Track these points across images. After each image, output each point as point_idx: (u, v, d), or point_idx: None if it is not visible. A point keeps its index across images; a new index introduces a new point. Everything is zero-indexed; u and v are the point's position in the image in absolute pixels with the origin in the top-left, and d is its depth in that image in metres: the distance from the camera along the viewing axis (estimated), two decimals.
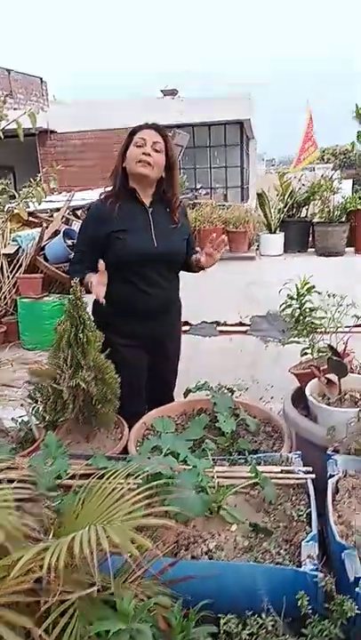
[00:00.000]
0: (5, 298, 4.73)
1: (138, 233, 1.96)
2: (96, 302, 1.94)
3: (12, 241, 4.91)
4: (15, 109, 2.78)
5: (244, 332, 2.98)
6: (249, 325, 2.98)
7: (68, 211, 5.31)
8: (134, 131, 1.94)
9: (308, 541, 1.18)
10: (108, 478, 1.03)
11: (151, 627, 0.91)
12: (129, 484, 1.11)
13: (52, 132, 8.49)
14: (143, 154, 1.88)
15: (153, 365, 2.17)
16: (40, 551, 0.79)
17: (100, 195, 2.03)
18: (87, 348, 1.65)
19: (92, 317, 1.71)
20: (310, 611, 1.03)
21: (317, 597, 1.07)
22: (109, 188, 2.01)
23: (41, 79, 12.16)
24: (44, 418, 1.86)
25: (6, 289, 4.75)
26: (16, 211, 3.02)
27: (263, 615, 1.01)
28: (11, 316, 4.64)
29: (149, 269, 1.99)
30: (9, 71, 10.48)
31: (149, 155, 1.89)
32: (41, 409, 1.81)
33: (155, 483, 1.02)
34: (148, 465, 1.19)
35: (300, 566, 1.12)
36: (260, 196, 2.75)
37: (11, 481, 1.02)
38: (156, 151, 1.91)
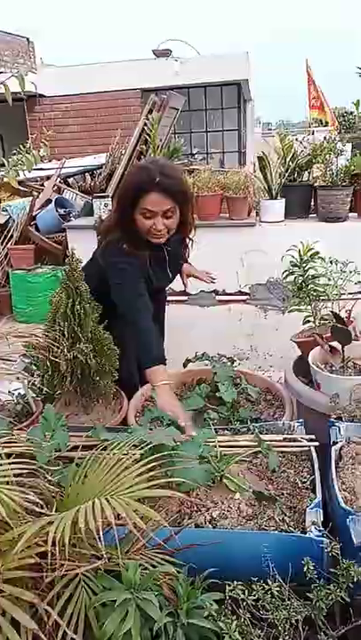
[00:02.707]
0: None
1: (161, 275, 1.87)
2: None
3: (3, 211, 4.80)
4: (1, 72, 2.63)
5: (244, 301, 2.94)
6: (248, 294, 2.93)
7: (59, 179, 5.16)
8: (139, 191, 1.61)
9: (312, 508, 1.18)
10: (110, 450, 1.00)
11: (157, 595, 0.90)
12: (134, 454, 1.09)
13: (40, 96, 8.16)
14: (153, 229, 1.65)
15: None
16: (44, 525, 0.77)
17: (116, 247, 1.74)
18: (84, 319, 1.61)
19: (87, 289, 1.66)
20: (316, 576, 1.03)
21: (323, 562, 1.07)
22: (120, 235, 1.73)
23: (28, 39, 11.61)
24: (41, 390, 1.83)
25: None
26: (5, 179, 2.90)
27: (269, 581, 1.01)
28: (2, 289, 4.58)
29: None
30: None
31: (161, 230, 1.66)
32: (38, 382, 1.79)
33: (158, 455, 1.00)
34: (150, 437, 1.17)
35: (305, 533, 1.12)
36: (260, 159, 2.65)
37: (9, 455, 1.00)
38: (168, 217, 1.65)
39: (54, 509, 0.95)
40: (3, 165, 3.12)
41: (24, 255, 4.59)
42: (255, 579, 1.04)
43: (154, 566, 1.03)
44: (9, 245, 4.72)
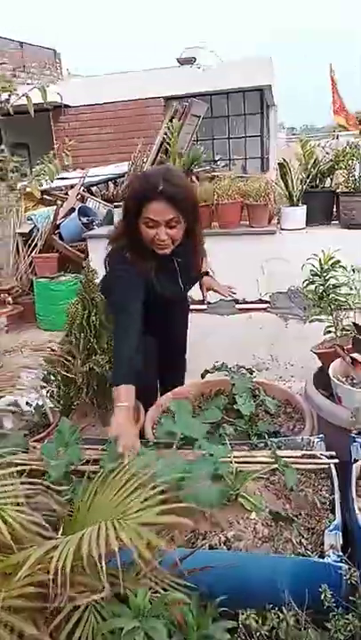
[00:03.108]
0: (22, 278, 4.72)
1: (170, 287, 1.78)
2: None
3: (27, 220, 4.87)
4: (28, 84, 2.68)
5: (264, 310, 2.89)
6: (269, 302, 2.88)
7: (82, 188, 5.23)
8: (142, 199, 1.55)
9: (331, 530, 1.13)
10: (119, 473, 0.98)
11: (166, 623, 0.88)
12: (145, 474, 1.07)
13: (65, 106, 8.29)
14: (157, 239, 1.58)
15: (163, 341, 2.09)
16: (48, 551, 0.76)
17: (120, 255, 1.69)
18: (100, 330, 1.60)
19: (103, 299, 1.65)
20: (334, 604, 0.98)
21: (341, 589, 1.02)
22: (125, 243, 1.68)
23: (54, 51, 11.89)
24: (58, 401, 1.84)
25: (22, 269, 4.74)
26: (28, 189, 2.95)
27: (284, 608, 0.97)
28: (27, 297, 4.64)
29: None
30: (22, 44, 10.25)
31: (164, 240, 1.59)
32: (55, 393, 1.79)
33: (167, 478, 0.97)
34: (160, 460, 1.14)
35: (323, 556, 1.08)
36: (281, 165, 2.61)
37: (21, 471, 0.99)
38: (172, 227, 1.58)
39: (63, 529, 0.93)
40: (25, 175, 3.17)
41: (48, 263, 4.65)
42: (270, 605, 1.00)
43: (165, 589, 1.00)
44: (33, 254, 4.79)
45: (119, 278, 1.65)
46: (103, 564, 0.67)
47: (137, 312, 1.60)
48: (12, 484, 0.89)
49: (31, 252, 4.81)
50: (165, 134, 3.13)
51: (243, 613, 0.93)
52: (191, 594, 1.00)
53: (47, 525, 0.80)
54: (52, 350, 1.29)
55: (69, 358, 1.50)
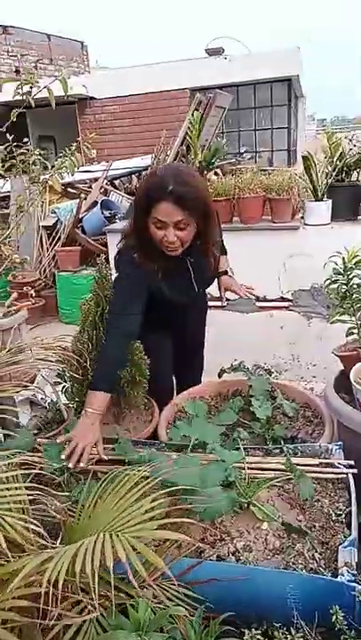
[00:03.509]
0: (45, 271, 4.75)
1: (182, 289, 1.72)
2: None
3: (51, 213, 4.89)
4: (55, 77, 2.68)
5: (286, 308, 2.81)
6: (291, 300, 2.80)
7: (105, 181, 5.21)
8: (151, 199, 1.49)
9: (345, 546, 1.07)
10: (123, 479, 0.95)
11: (167, 638, 0.84)
12: (148, 483, 1.03)
13: (91, 98, 8.28)
14: (165, 240, 1.52)
15: (178, 339, 2.05)
16: (44, 561, 0.73)
17: (128, 255, 1.63)
18: (106, 333, 1.57)
19: None
20: (346, 626, 0.93)
21: (355, 611, 0.97)
22: (134, 243, 1.62)
23: (82, 43, 11.90)
24: (73, 398, 1.82)
25: (46, 262, 4.76)
26: (50, 182, 2.93)
27: (292, 629, 0.92)
28: (49, 290, 4.67)
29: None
30: (49, 36, 10.29)
31: (172, 242, 1.53)
32: (69, 389, 1.77)
33: (174, 488, 0.93)
34: (169, 468, 1.10)
35: (337, 574, 1.02)
36: (305, 158, 2.51)
37: (27, 474, 0.97)
38: (181, 229, 1.52)
39: (64, 535, 0.91)
40: (47, 168, 3.16)
41: (70, 257, 4.66)
42: (278, 624, 0.95)
43: (170, 599, 0.97)
44: (56, 247, 4.81)
45: (122, 281, 1.61)
46: (96, 580, 0.63)
47: (135, 319, 1.58)
48: (15, 489, 0.88)
49: (54, 245, 4.83)
50: (188, 127, 3.07)
51: (248, 632, 0.89)
52: (195, 607, 0.97)
53: (44, 534, 0.77)
54: (63, 349, 1.26)
55: (79, 357, 1.47)
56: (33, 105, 2.74)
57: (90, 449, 1.40)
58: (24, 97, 2.66)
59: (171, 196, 1.45)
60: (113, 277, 1.70)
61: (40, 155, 3.08)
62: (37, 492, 0.85)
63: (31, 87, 2.66)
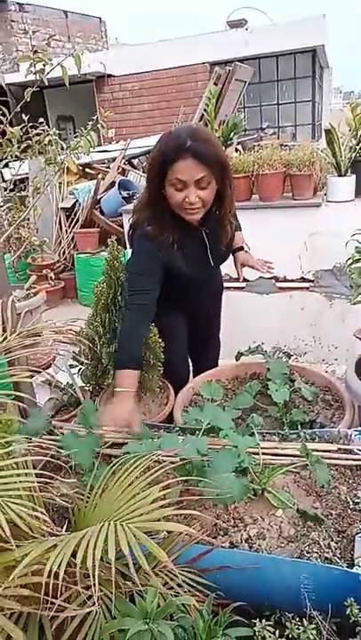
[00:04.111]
0: (64, 253, 4.75)
1: (197, 262, 1.66)
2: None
3: (70, 194, 4.87)
4: (69, 54, 2.62)
5: (307, 289, 2.73)
6: (312, 281, 2.72)
7: (123, 160, 5.13)
8: (168, 159, 1.42)
9: None
10: (132, 464, 0.93)
11: (175, 627, 0.83)
12: (162, 462, 1.01)
13: (109, 76, 8.14)
14: (186, 202, 1.45)
15: (194, 325, 2.01)
16: (47, 550, 0.72)
17: (141, 229, 1.58)
18: (125, 311, 1.54)
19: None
20: None
21: None
22: (148, 215, 1.56)
23: (100, 19, 11.67)
24: (89, 380, 1.82)
25: (65, 244, 4.76)
26: (65, 163, 2.90)
27: (305, 620, 0.90)
28: (69, 272, 4.68)
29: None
30: (66, 13, 10.11)
31: (194, 203, 1.46)
32: (84, 372, 1.77)
33: (183, 476, 0.91)
34: (181, 446, 1.08)
35: (353, 565, 0.99)
36: (328, 132, 2.39)
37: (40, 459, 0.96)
38: (203, 188, 1.45)
39: (72, 522, 0.90)
40: (63, 148, 3.12)
41: (89, 238, 4.65)
42: (290, 614, 0.93)
43: (180, 585, 0.96)
44: (75, 229, 4.80)
45: (137, 256, 1.57)
46: (96, 572, 0.62)
47: (153, 297, 1.54)
48: (25, 475, 0.87)
49: (73, 226, 4.82)
50: (205, 102, 2.97)
51: (259, 622, 0.87)
52: (207, 594, 0.96)
53: (49, 521, 0.76)
54: (75, 333, 1.24)
55: (91, 340, 1.45)
56: (47, 83, 2.69)
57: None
58: (37, 76, 2.61)
59: (189, 152, 1.40)
60: (127, 256, 1.67)
61: (55, 135, 3.04)
62: (44, 480, 0.84)
63: (44, 65, 2.61)
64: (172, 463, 1.08)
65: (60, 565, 0.64)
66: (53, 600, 0.71)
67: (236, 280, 2.12)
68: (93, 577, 0.61)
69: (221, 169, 1.47)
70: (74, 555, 0.70)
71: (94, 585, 0.60)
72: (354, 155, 2.46)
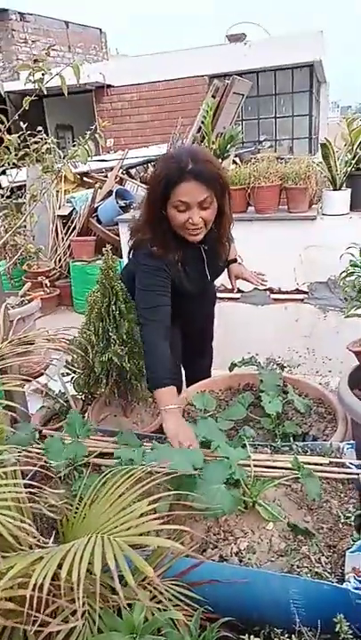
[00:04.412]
0: (60, 260, 4.75)
1: (196, 278, 1.67)
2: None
3: (67, 202, 4.88)
4: (68, 64, 2.65)
5: (301, 301, 2.74)
6: (307, 293, 2.73)
7: (121, 170, 5.16)
8: (170, 182, 1.42)
9: (353, 551, 1.03)
10: (125, 473, 0.92)
11: None
12: (154, 473, 1.00)
13: (109, 86, 8.21)
14: (190, 223, 1.47)
15: (187, 335, 2.01)
16: (33, 562, 0.70)
17: (145, 248, 1.58)
18: (120, 320, 1.54)
19: (124, 288, 1.59)
20: (351, 635, 0.89)
21: None
22: (150, 236, 1.56)
23: (100, 30, 11.78)
24: (81, 389, 1.81)
25: (61, 251, 4.76)
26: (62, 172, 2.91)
27: (294, 636, 0.89)
28: (65, 280, 4.67)
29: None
30: (67, 23, 10.20)
31: (197, 223, 1.47)
32: (77, 381, 1.76)
33: (175, 486, 0.90)
34: (170, 456, 1.07)
35: (343, 580, 0.98)
36: (323, 146, 2.42)
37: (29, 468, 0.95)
38: (205, 208, 1.47)
39: (60, 533, 0.89)
40: (62, 157, 3.13)
41: (85, 246, 4.64)
42: (280, 630, 0.92)
43: (169, 599, 0.94)
44: (72, 237, 4.80)
45: (147, 274, 1.56)
46: (81, 587, 0.61)
47: (167, 311, 1.54)
48: (14, 485, 0.86)
49: (70, 234, 4.82)
50: (202, 114, 3.00)
51: (248, 637, 0.86)
52: (196, 608, 0.94)
53: (36, 534, 0.75)
54: (67, 341, 1.24)
55: (84, 348, 1.44)
56: (45, 92, 2.71)
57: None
58: (35, 85, 2.63)
59: (192, 175, 1.40)
60: (122, 265, 1.67)
61: (53, 143, 3.05)
62: (30, 490, 0.83)
63: (43, 74, 2.64)
64: (165, 475, 1.07)
65: (45, 578, 0.63)
66: (38, 614, 0.70)
67: (231, 291, 2.13)
68: (78, 591, 0.59)
69: (222, 189, 1.49)
70: (61, 567, 0.69)
71: (78, 599, 0.59)
72: (349, 169, 2.48)
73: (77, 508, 0.91)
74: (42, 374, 1.88)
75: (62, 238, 4.81)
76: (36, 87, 2.65)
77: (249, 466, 1.26)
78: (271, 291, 2.70)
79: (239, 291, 2.66)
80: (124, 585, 0.82)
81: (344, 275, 1.76)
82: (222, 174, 1.50)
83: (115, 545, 0.69)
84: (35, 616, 0.67)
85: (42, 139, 3.03)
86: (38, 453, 1.13)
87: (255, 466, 1.28)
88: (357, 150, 2.45)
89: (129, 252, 1.68)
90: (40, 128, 3.08)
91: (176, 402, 1.45)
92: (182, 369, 2.10)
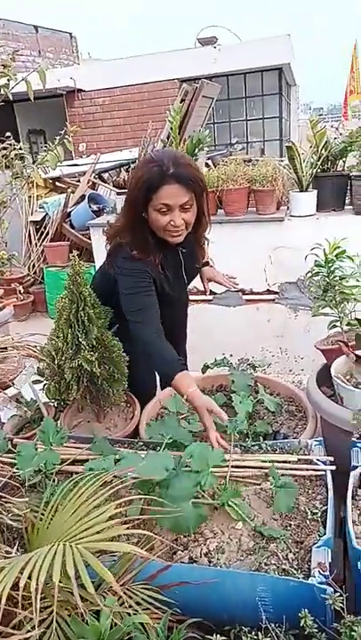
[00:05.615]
0: (34, 266, 4.71)
1: (174, 281, 1.70)
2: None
3: (39, 208, 4.84)
4: (34, 69, 2.64)
5: (273, 301, 2.77)
6: (277, 293, 2.77)
7: (94, 174, 5.15)
8: (152, 186, 1.45)
9: (319, 546, 1.05)
10: (92, 478, 0.92)
11: None
12: (122, 478, 1.01)
13: (79, 90, 8.17)
14: (171, 225, 1.49)
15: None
16: None
17: (124, 252, 1.59)
18: (89, 326, 1.54)
19: (92, 293, 1.59)
20: (316, 629, 0.91)
21: (327, 613, 0.95)
22: (129, 240, 1.57)
23: (70, 35, 11.72)
24: (54, 396, 1.79)
25: (34, 257, 4.72)
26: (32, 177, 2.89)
27: (260, 633, 0.90)
28: (39, 286, 4.63)
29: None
30: (37, 28, 10.12)
31: (179, 226, 1.50)
32: (45, 388, 1.75)
33: (145, 491, 0.91)
34: (139, 466, 1.07)
35: (309, 576, 1.00)
36: (289, 148, 2.46)
37: None
38: (186, 210, 1.50)
39: (25, 542, 0.88)
40: (34, 162, 3.11)
41: (58, 252, 4.61)
42: (248, 628, 0.93)
43: (138, 604, 0.95)
44: (45, 242, 4.76)
45: (128, 277, 1.57)
46: (39, 597, 0.61)
47: (155, 311, 1.57)
48: None
49: (43, 240, 4.79)
50: (169, 118, 3.02)
51: (213, 638, 0.87)
52: (165, 611, 0.95)
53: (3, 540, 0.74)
54: (33, 348, 1.23)
55: (45, 357, 1.43)
56: (11, 98, 2.69)
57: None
58: (0, 90, 2.61)
59: (173, 177, 1.43)
60: (94, 270, 1.67)
61: (22, 149, 3.03)
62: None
63: (8, 80, 2.62)
64: (133, 479, 1.08)
65: (3, 590, 0.62)
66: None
67: (203, 294, 2.15)
68: (36, 601, 0.59)
69: (201, 191, 1.53)
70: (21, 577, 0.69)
71: (36, 610, 0.59)
72: (315, 170, 2.53)
73: (43, 515, 0.91)
74: (10, 385, 1.86)
75: (35, 244, 4.77)
76: (2, 92, 2.63)
77: (222, 467, 1.27)
78: (243, 292, 2.74)
79: (211, 292, 2.68)
80: (95, 590, 0.82)
81: (310, 275, 1.79)
82: (202, 177, 1.54)
83: (76, 552, 0.69)
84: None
85: (10, 144, 3.00)
86: (9, 463, 1.12)
87: (225, 466, 1.29)
88: (322, 152, 2.50)
89: (107, 258, 1.69)
90: (8, 133, 3.06)
91: (193, 382, 1.51)
92: (157, 375, 2.11)
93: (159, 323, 1.57)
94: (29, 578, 0.65)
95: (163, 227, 1.50)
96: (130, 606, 0.92)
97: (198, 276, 2.03)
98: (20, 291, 4.34)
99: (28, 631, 0.75)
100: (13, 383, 1.78)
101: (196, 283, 2.16)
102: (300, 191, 2.59)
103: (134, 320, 1.56)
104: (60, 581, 0.74)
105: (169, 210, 1.47)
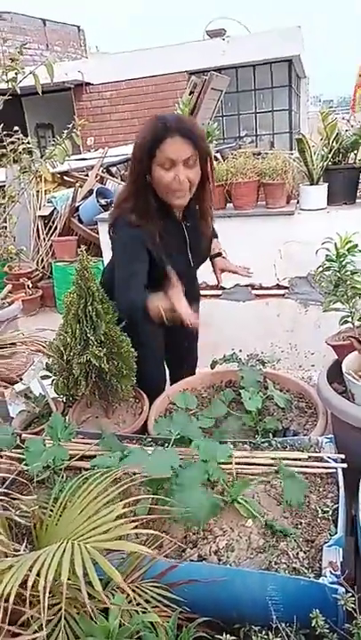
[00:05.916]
0: (42, 261, 4.71)
1: (177, 257, 1.66)
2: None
3: (48, 202, 4.83)
4: (42, 62, 2.63)
5: (282, 296, 2.75)
6: (287, 288, 2.74)
7: (101, 168, 5.12)
8: (157, 139, 1.45)
9: (330, 545, 1.04)
10: (101, 475, 0.91)
11: None
12: (131, 475, 1.00)
13: (87, 84, 8.13)
14: (175, 182, 1.48)
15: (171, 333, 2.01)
16: (2, 571, 0.69)
17: (123, 219, 1.58)
18: (97, 321, 1.53)
19: (100, 288, 1.57)
20: (327, 630, 0.89)
21: (338, 613, 0.93)
22: (131, 205, 1.56)
23: (78, 28, 11.67)
24: (62, 391, 1.79)
25: (43, 252, 4.72)
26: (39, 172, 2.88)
27: (270, 633, 0.89)
28: (47, 280, 4.63)
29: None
30: (44, 21, 10.09)
31: (183, 181, 1.49)
32: (58, 383, 1.74)
33: (153, 488, 0.90)
34: (147, 462, 1.06)
35: (320, 575, 0.98)
36: (299, 141, 2.42)
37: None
38: (190, 167, 1.50)
39: (34, 539, 0.88)
40: (42, 156, 3.10)
41: (67, 246, 4.61)
42: (258, 627, 0.92)
43: (148, 601, 0.94)
44: (53, 237, 4.76)
45: (122, 244, 1.58)
46: (47, 596, 0.60)
47: (144, 279, 1.54)
48: None
49: (51, 235, 4.78)
50: (177, 111, 2.99)
51: (224, 636, 0.86)
52: (175, 609, 0.94)
53: (5, 541, 0.73)
54: (41, 343, 1.23)
55: (68, 348, 1.42)
56: (19, 92, 2.68)
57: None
58: (9, 84, 2.60)
59: (177, 132, 1.45)
60: (103, 264, 1.66)
61: (30, 143, 3.02)
62: (2, 498, 0.82)
63: (16, 74, 2.60)
64: (142, 476, 1.07)
65: (12, 588, 0.62)
66: (9, 625, 0.69)
67: (215, 287, 2.13)
68: (45, 599, 0.59)
69: (205, 153, 1.53)
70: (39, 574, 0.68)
71: (44, 608, 0.58)
72: (326, 163, 2.49)
73: (51, 512, 0.90)
74: (20, 379, 1.86)
75: (44, 239, 4.77)
76: (10, 86, 2.62)
77: (230, 463, 1.26)
78: (253, 287, 2.71)
79: (221, 287, 2.66)
80: (104, 587, 0.81)
81: (321, 270, 1.76)
82: (205, 140, 1.55)
83: (84, 551, 0.68)
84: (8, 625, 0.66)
85: (18, 139, 2.99)
86: (18, 459, 1.12)
87: (235, 463, 1.28)
88: (333, 144, 2.46)
89: (109, 227, 1.68)
90: (17, 128, 3.05)
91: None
92: (167, 368, 2.10)
93: (146, 292, 1.53)
94: (38, 575, 0.65)
95: (167, 185, 1.51)
96: (139, 604, 0.92)
97: (211, 267, 2.00)
98: (28, 285, 4.35)
99: (36, 631, 0.74)
100: (22, 378, 1.78)
101: (207, 277, 2.14)
102: (311, 184, 2.55)
103: (125, 286, 1.55)
104: (68, 579, 0.74)
105: (172, 165, 1.47)
